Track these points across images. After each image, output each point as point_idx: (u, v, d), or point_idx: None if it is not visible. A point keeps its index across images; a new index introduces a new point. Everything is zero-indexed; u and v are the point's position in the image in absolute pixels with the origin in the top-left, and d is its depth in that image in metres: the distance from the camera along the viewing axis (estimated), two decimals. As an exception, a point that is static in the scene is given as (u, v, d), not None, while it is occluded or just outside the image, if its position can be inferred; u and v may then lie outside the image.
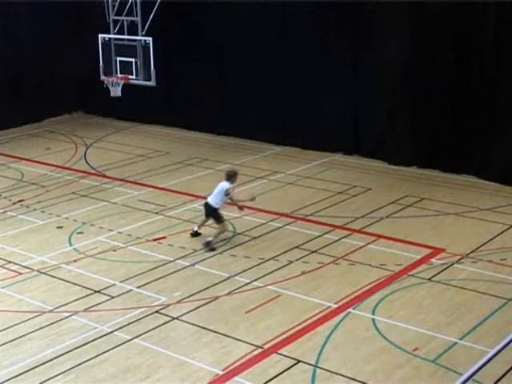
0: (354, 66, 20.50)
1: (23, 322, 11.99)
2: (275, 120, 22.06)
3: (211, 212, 14.87)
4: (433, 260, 14.07)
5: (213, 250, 14.50)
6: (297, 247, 14.78)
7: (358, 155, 21.01)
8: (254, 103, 22.34)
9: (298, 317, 11.93)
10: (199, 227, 15.31)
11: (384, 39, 19.68)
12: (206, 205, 14.96)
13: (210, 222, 15.25)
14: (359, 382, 10.14)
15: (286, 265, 13.97)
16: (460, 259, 14.06)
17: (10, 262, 14.35)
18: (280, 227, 15.91)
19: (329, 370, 10.42)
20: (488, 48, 18.16)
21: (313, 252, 14.53)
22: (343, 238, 15.24)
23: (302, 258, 14.26)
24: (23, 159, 21.62)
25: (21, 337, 11.53)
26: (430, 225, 15.89)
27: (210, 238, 14.65)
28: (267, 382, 10.17)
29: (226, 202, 15.06)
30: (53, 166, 20.91)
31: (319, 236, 15.34)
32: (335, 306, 12.32)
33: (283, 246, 14.86)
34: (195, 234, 15.26)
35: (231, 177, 14.96)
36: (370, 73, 20.15)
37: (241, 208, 15.28)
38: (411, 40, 19.28)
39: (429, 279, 13.26)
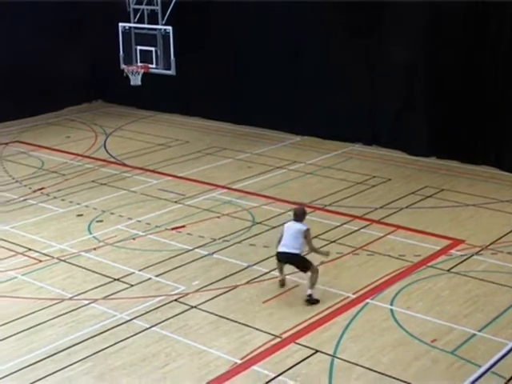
0: (372, 55, 20.38)
1: (43, 309, 12.08)
2: (294, 110, 21.99)
3: (294, 259, 12.17)
4: (452, 251, 14.01)
5: (317, 302, 12.10)
6: (315, 237, 14.69)
7: (377, 145, 20.92)
8: (273, 93, 22.27)
9: (316, 307, 11.93)
10: (282, 273, 12.71)
11: (401, 29, 19.58)
12: (283, 254, 12.24)
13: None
14: (377, 372, 10.13)
15: (305, 255, 13.93)
16: (479, 251, 13.99)
17: (30, 249, 14.44)
18: (299, 217, 15.88)
19: (346, 360, 10.41)
20: (506, 37, 18.03)
21: (331, 242, 14.51)
22: (362, 228, 15.20)
23: (320, 248, 14.22)
24: (43, 147, 21.73)
25: (40, 324, 11.62)
26: (450, 216, 15.81)
27: (308, 292, 12.08)
28: (285, 371, 10.18)
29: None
30: (73, 154, 21.00)
31: (338, 226, 15.32)
32: (353, 296, 12.31)
33: (302, 235, 14.83)
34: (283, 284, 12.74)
35: (303, 216, 12.52)
36: (389, 62, 20.02)
37: (326, 254, 12.79)
38: (428, 30, 19.16)
39: (448, 270, 13.20)
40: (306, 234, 12.13)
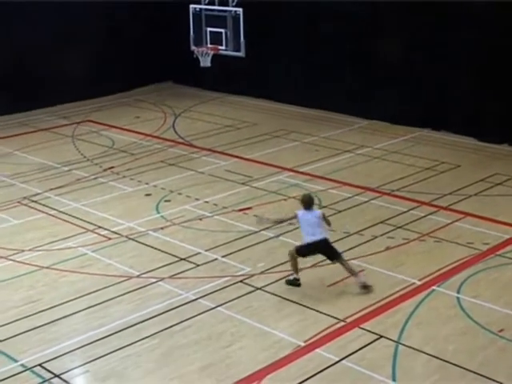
0: (444, 38, 20.06)
1: (111, 285, 12.33)
2: (363, 93, 21.84)
3: (327, 247, 12.02)
4: (522, 240, 13.78)
5: (369, 286, 11.96)
6: (382, 222, 14.67)
7: (446, 131, 20.64)
8: (342, 76, 22.15)
9: (381, 292, 11.88)
10: (298, 273, 12.32)
11: (472, 14, 19.25)
12: (313, 244, 11.92)
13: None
14: (441, 360, 10.05)
15: (371, 239, 13.90)
16: (550, 240, 13.73)
17: (100, 227, 14.72)
18: (365, 201, 15.82)
19: (411, 347, 10.36)
20: None
21: (398, 228, 14.41)
22: (429, 214, 15.04)
23: (386, 233, 14.16)
24: (114, 127, 22.06)
25: (108, 300, 11.86)
26: (520, 204, 15.55)
27: (362, 279, 11.94)
28: (348, 355, 10.18)
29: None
30: (142, 134, 21.28)
31: (405, 212, 15.19)
32: (419, 282, 12.22)
33: (368, 220, 14.78)
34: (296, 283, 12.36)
35: (312, 203, 12.21)
36: (461, 47, 19.70)
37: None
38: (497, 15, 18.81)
39: (517, 260, 13.01)
40: (323, 215, 12.01)
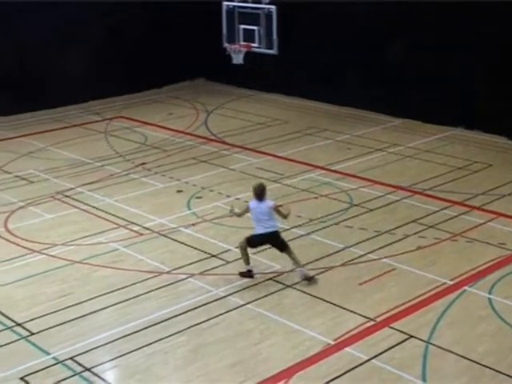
0: (476, 39, 19.88)
1: (141, 281, 12.39)
2: (396, 92, 21.72)
3: (276, 239, 12.16)
4: (556, 242, 13.62)
5: (312, 278, 12.15)
6: (413, 221, 14.58)
7: (478, 130, 20.46)
8: (375, 75, 22.05)
9: (412, 291, 11.82)
10: (248, 263, 12.39)
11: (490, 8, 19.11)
12: (265, 236, 12.06)
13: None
14: (471, 361, 9.97)
15: (402, 238, 13.82)
16: None
17: (131, 222, 14.81)
18: (397, 200, 15.74)
19: (441, 347, 10.29)
20: None
21: (430, 227, 14.31)
22: (462, 214, 14.92)
23: (418, 232, 14.08)
24: (147, 123, 22.17)
25: (138, 296, 11.92)
26: (555, 205, 15.37)
27: (301, 270, 12.12)
28: (378, 354, 10.14)
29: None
30: (174, 130, 21.36)
31: (437, 211, 15.08)
32: (451, 282, 12.12)
33: (400, 219, 14.70)
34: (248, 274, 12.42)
35: (264, 193, 12.14)
36: (491, 46, 19.51)
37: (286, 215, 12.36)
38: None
39: (550, 261, 12.86)
40: (275, 206, 12.03)
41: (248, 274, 12.33)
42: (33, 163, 18.70)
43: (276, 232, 12.13)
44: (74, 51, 23.40)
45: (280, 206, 12.49)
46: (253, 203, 12.15)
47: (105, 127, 21.92)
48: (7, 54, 22.90)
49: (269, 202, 12.12)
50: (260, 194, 12.06)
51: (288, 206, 13.17)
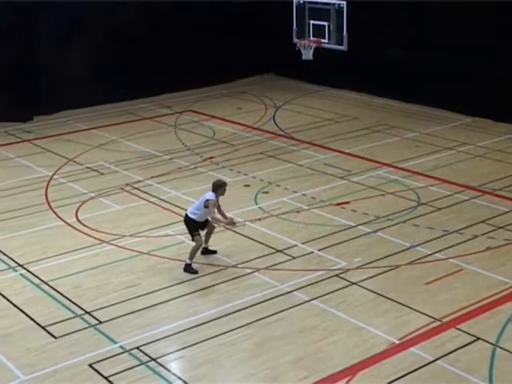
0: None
1: (207, 274, 12.50)
2: (468, 90, 21.38)
3: (186, 222, 12.80)
4: None
5: (195, 272, 12.54)
6: (483, 222, 14.36)
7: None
8: (446, 72, 21.74)
9: (479, 293, 11.65)
10: (206, 243, 13.14)
11: None
12: (184, 217, 12.91)
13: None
14: (540, 365, 9.81)
15: (471, 239, 13.63)
16: None
17: (198, 216, 14.92)
18: (466, 200, 15.51)
19: (509, 351, 10.12)
20: None
21: (499, 228, 14.07)
22: (533, 215, 14.66)
23: (487, 233, 13.85)
24: (215, 118, 22.32)
25: (204, 288, 12.04)
26: None
27: (187, 261, 12.59)
28: (443, 356, 10.03)
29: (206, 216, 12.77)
30: (243, 125, 21.45)
31: (507, 212, 14.81)
32: (520, 285, 11.93)
33: (468, 219, 14.49)
34: (206, 251, 13.21)
35: (218, 188, 12.67)
36: None
37: (228, 224, 12.89)
38: None
39: None
40: (207, 204, 12.44)
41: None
42: (103, 155, 19.03)
43: (189, 218, 12.67)
44: (154, 44, 23.76)
45: (215, 206, 12.54)
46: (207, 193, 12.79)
47: (174, 120, 22.15)
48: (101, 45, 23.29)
49: (206, 195, 12.62)
50: (213, 186, 12.73)
51: (235, 219, 13.22)
